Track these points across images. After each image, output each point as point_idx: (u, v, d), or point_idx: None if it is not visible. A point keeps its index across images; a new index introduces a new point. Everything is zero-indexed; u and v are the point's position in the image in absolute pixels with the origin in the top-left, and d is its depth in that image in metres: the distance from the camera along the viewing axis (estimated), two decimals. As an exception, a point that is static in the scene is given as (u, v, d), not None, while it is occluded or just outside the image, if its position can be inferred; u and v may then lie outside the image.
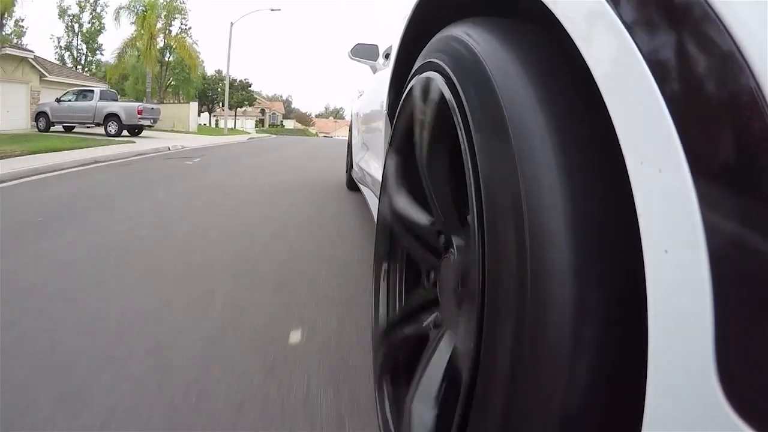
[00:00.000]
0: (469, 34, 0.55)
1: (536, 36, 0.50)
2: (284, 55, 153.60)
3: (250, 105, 40.24)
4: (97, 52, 30.77)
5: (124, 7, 21.47)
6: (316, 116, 71.85)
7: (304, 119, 64.61)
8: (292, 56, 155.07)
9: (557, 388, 0.36)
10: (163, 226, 2.62)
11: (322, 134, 50.47)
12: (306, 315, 1.46)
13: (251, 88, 39.93)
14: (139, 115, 11.51)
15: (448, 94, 0.56)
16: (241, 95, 37.36)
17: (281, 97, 73.16)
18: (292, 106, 72.26)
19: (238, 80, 38.46)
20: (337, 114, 71.79)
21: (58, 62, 24.33)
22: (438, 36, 0.68)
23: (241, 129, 34.98)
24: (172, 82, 26.29)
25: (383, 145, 1.36)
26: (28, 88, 14.30)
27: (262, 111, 51.61)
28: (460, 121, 0.51)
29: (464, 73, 0.52)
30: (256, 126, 48.02)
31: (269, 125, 50.51)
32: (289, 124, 55.67)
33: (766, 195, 0.25)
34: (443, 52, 0.61)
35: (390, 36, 1.62)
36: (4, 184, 3.93)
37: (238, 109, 39.04)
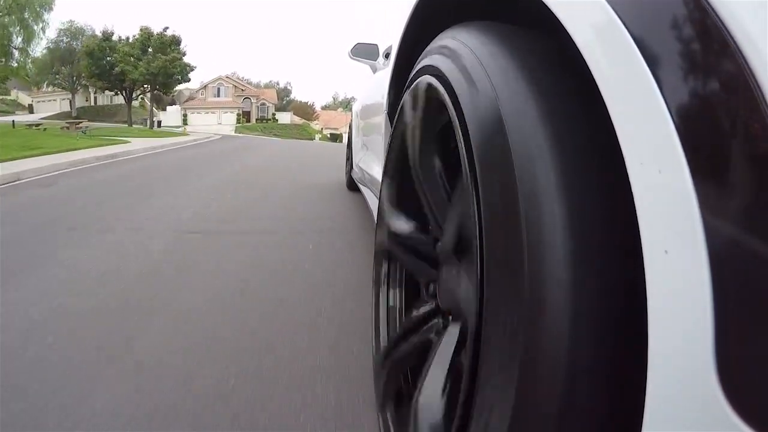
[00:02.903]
0: (468, 39, 0.56)
1: (535, 39, 0.50)
2: (283, 35, 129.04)
3: (182, 79, 25.46)
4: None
5: None
6: (322, 108, 57.50)
7: (306, 111, 51.02)
8: (291, 36, 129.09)
9: (557, 389, 0.36)
10: None
11: (328, 130, 39.18)
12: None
13: (182, 48, 24.93)
14: None
15: (446, 99, 0.56)
16: (160, 60, 23.10)
17: (277, 84, 59.09)
18: (292, 96, 59.48)
19: (155, 32, 24.30)
20: (347, 105, 52.59)
21: None
22: (437, 40, 0.68)
23: (181, 129, 22.58)
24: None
25: (383, 145, 1.36)
26: None
27: (250, 101, 39.92)
28: (458, 125, 0.51)
29: (463, 78, 0.52)
30: (239, 121, 36.96)
31: (257, 119, 39.30)
32: (285, 117, 42.21)
33: (766, 195, 0.25)
34: (442, 56, 0.61)
35: (390, 35, 1.62)
36: None
37: (164, 92, 26.90)
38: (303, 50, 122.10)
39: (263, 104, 41.24)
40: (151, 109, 27.43)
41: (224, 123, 36.83)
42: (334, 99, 66.14)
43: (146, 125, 23.92)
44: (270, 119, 40.36)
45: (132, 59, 24.04)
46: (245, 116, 39.38)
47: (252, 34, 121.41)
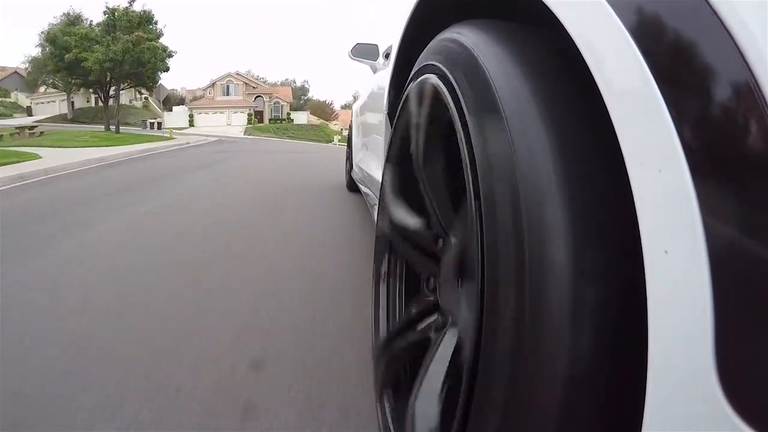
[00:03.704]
0: (468, 37, 0.55)
1: (535, 38, 0.50)
2: (300, 31, 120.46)
3: (156, 67, 19.50)
4: None
5: None
6: (342, 107, 51.16)
7: (324, 111, 46.65)
8: (310, 33, 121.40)
9: (557, 388, 0.36)
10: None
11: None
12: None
13: (159, 29, 19.67)
14: None
15: (447, 97, 0.56)
16: (122, 41, 17.54)
17: (293, 82, 53.55)
18: (309, 94, 54.67)
19: (121, 6, 18.81)
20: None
21: None
22: (437, 38, 0.68)
23: (168, 132, 17.35)
24: None
25: (383, 145, 1.36)
26: None
27: (262, 100, 36.48)
28: (459, 123, 0.51)
29: (464, 76, 0.52)
30: (250, 121, 34.13)
31: (270, 120, 36.10)
32: (301, 117, 38.06)
33: (766, 195, 0.25)
34: (443, 55, 0.61)
35: (390, 35, 1.62)
36: None
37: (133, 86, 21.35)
38: (321, 47, 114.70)
39: (277, 103, 37.69)
40: (117, 108, 20.46)
41: (234, 124, 33.96)
42: (354, 97, 57.48)
43: (145, 127, 20.84)
44: (285, 119, 36.77)
45: (89, 43, 18.17)
46: (258, 116, 36.16)
47: (268, 32, 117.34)
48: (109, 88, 20.37)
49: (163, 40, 20.34)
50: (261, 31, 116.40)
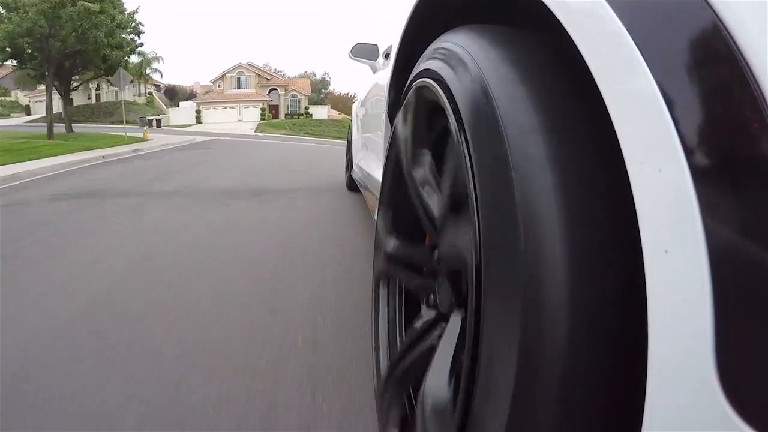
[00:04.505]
0: (466, 42, 0.56)
1: (534, 41, 0.50)
2: (320, 21, 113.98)
3: (104, 43, 13.81)
4: None
5: None
6: None
7: (345, 104, 40.61)
8: (330, 21, 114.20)
9: (556, 388, 0.36)
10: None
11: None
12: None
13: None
14: None
15: (445, 102, 0.56)
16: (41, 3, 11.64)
17: (313, 74, 49.56)
18: (330, 87, 50.90)
19: None
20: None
21: None
22: (436, 43, 0.68)
23: (142, 132, 13.76)
24: None
25: (383, 145, 1.36)
26: None
27: (277, 93, 32.98)
28: (457, 128, 0.51)
29: (462, 81, 0.52)
30: (264, 116, 31.14)
31: (286, 115, 32.95)
32: (321, 112, 34.59)
33: (766, 195, 0.25)
34: (441, 60, 0.61)
35: (390, 35, 1.62)
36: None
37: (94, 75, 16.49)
38: (344, 36, 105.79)
39: (294, 96, 33.80)
40: (49, 104, 14.59)
41: (246, 119, 30.90)
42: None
43: (143, 125, 15.93)
44: (302, 114, 33.10)
45: (9, 14, 12.52)
46: (272, 111, 32.63)
47: (287, 24, 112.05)
48: (69, 78, 15.65)
49: (138, 18, 15.27)
50: (280, 24, 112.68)
